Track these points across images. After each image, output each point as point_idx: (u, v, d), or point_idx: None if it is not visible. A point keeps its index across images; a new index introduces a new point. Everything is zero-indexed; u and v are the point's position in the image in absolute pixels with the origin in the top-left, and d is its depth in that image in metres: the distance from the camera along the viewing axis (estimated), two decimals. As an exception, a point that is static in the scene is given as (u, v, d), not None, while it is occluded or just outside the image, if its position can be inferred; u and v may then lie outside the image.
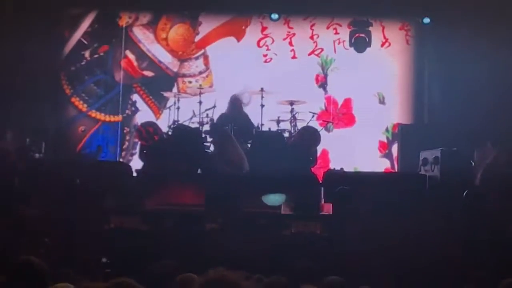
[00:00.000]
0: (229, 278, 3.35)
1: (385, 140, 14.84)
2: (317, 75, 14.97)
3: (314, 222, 9.69)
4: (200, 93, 12.94)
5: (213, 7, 14.78)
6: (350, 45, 14.66)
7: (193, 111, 12.84)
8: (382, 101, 14.95)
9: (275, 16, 14.74)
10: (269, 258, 9.31)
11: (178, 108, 13.02)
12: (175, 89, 14.71)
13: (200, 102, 12.82)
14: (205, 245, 9.36)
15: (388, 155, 14.78)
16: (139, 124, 13.35)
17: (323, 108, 14.79)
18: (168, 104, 13.95)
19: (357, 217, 9.92)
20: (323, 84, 14.97)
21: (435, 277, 8.92)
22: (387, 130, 14.84)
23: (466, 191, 10.28)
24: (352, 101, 14.91)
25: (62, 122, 14.74)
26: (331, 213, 10.03)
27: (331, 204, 10.18)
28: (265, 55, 14.97)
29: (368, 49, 14.56)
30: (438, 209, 10.11)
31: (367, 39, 14.47)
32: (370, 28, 14.59)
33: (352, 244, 9.60)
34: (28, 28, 13.75)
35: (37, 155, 12.29)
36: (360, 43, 14.51)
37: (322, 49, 15.00)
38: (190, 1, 14.87)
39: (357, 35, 14.54)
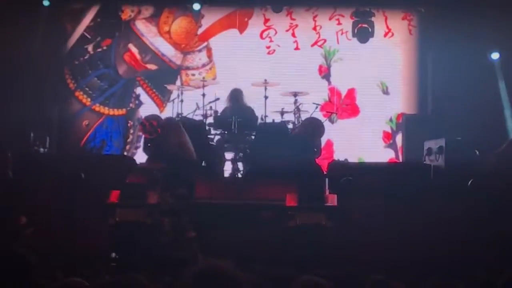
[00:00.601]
0: (224, 269, 3.34)
1: (389, 130, 14.81)
2: (320, 66, 14.95)
3: (319, 213, 9.68)
4: (204, 86, 12.92)
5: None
6: (353, 36, 14.62)
7: (197, 103, 12.83)
8: (385, 91, 14.92)
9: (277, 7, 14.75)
10: (274, 250, 9.32)
11: (181, 101, 13.01)
12: (178, 82, 14.70)
13: (204, 95, 12.80)
14: (209, 238, 9.37)
15: (393, 145, 14.75)
16: (143, 117, 13.35)
17: (327, 99, 14.77)
18: (172, 97, 13.94)
19: (362, 207, 9.92)
20: (326, 75, 14.95)
21: (440, 266, 8.92)
22: (391, 120, 14.82)
23: (471, 180, 10.27)
24: (355, 92, 14.89)
25: (66, 116, 14.74)
26: (335, 204, 10.01)
27: (335, 195, 10.16)
28: (268, 47, 14.94)
29: (371, 39, 14.53)
30: (443, 198, 10.11)
31: (370, 30, 14.43)
32: (373, 18, 14.54)
33: (357, 235, 9.61)
34: (30, 23, 13.77)
35: (41, 149, 12.30)
36: (363, 34, 14.47)
37: (325, 40, 14.98)
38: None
39: (360, 25, 14.49)
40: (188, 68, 15.00)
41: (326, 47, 14.97)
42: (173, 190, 9.68)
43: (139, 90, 14.92)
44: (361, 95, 14.87)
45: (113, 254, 9.28)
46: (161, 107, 14.77)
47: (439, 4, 14.25)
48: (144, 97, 14.90)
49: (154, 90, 14.87)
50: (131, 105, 14.86)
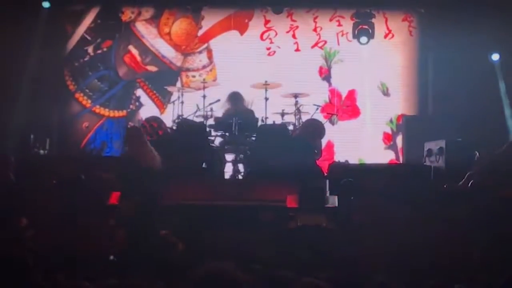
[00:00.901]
0: (225, 270, 3.36)
1: (390, 132, 14.82)
2: (321, 68, 14.95)
3: (319, 214, 9.68)
4: (204, 87, 12.92)
5: (215, 0, 14.78)
6: (354, 37, 14.62)
7: (197, 105, 12.84)
8: (386, 93, 14.93)
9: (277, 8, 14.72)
10: (275, 251, 9.31)
11: (182, 102, 13.02)
12: (179, 84, 14.70)
13: (204, 96, 12.81)
14: (209, 240, 9.37)
15: (393, 147, 14.76)
16: (143, 119, 13.36)
17: (327, 100, 14.78)
18: (172, 99, 13.94)
19: (362, 209, 9.91)
20: (327, 77, 14.95)
21: (441, 267, 8.91)
22: (391, 121, 14.82)
23: (471, 181, 10.27)
24: (356, 93, 14.89)
25: (66, 118, 14.74)
26: (336, 205, 10.01)
27: (336, 197, 10.17)
28: (268, 48, 14.94)
29: (371, 40, 14.53)
30: (444, 199, 10.11)
31: (370, 31, 14.44)
32: (373, 20, 14.56)
33: (358, 236, 9.60)
34: (30, 25, 13.77)
35: (41, 151, 12.30)
36: (363, 35, 14.47)
37: (326, 42, 14.98)
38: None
39: (360, 26, 14.51)
40: (188, 69, 15.00)
41: (327, 48, 14.97)
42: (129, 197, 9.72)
43: (139, 92, 14.92)
44: (362, 97, 14.88)
45: (111, 257, 9.27)
46: (161, 108, 14.77)
47: (439, 5, 14.25)
48: (144, 98, 14.90)
49: (154, 92, 14.87)
50: (131, 106, 14.86)
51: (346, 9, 14.84)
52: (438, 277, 8.02)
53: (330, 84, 14.93)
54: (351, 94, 14.89)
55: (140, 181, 10.24)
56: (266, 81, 12.84)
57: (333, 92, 14.86)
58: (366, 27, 14.46)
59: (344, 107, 14.84)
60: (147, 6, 15.00)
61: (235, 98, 12.77)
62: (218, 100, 12.70)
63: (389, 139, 14.81)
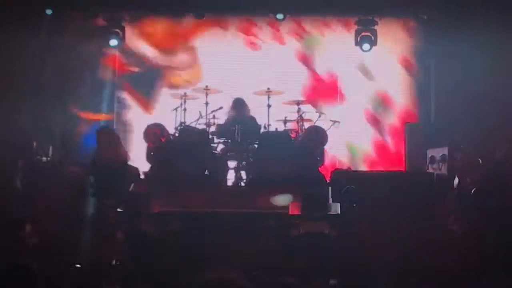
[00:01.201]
0: (231, 279, 3.37)
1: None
2: (323, 73, 15.01)
3: (322, 222, 9.69)
4: (207, 94, 12.93)
5: (218, 8, 14.76)
6: (356, 44, 14.61)
7: (200, 112, 12.84)
8: (388, 98, 14.92)
9: (280, 16, 14.66)
10: (277, 259, 9.32)
11: (185, 109, 13.01)
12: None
13: (207, 103, 12.82)
14: (212, 247, 9.38)
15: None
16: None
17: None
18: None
19: (364, 216, 9.92)
20: (329, 82, 15.00)
21: (445, 275, 8.91)
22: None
23: (474, 189, 10.28)
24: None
25: (68, 124, 14.67)
26: (338, 212, 10.03)
27: (338, 204, 10.19)
28: (270, 55, 14.92)
29: (373, 47, 14.52)
30: (446, 207, 10.11)
31: (372, 38, 14.43)
32: (376, 27, 14.56)
33: (360, 244, 9.61)
34: (33, 31, 13.80)
35: (44, 158, 12.32)
36: (365, 42, 14.46)
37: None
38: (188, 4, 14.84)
39: (362, 34, 14.50)
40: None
41: (329, 53, 15.03)
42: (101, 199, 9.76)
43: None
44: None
45: (114, 261, 9.29)
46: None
47: (442, 12, 14.24)
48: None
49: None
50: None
51: (348, 16, 14.84)
52: (441, 285, 8.02)
53: (332, 88, 15.00)
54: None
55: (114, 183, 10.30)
56: (268, 88, 12.86)
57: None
58: (368, 34, 14.45)
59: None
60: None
61: (238, 104, 12.79)
62: (221, 108, 12.73)
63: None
